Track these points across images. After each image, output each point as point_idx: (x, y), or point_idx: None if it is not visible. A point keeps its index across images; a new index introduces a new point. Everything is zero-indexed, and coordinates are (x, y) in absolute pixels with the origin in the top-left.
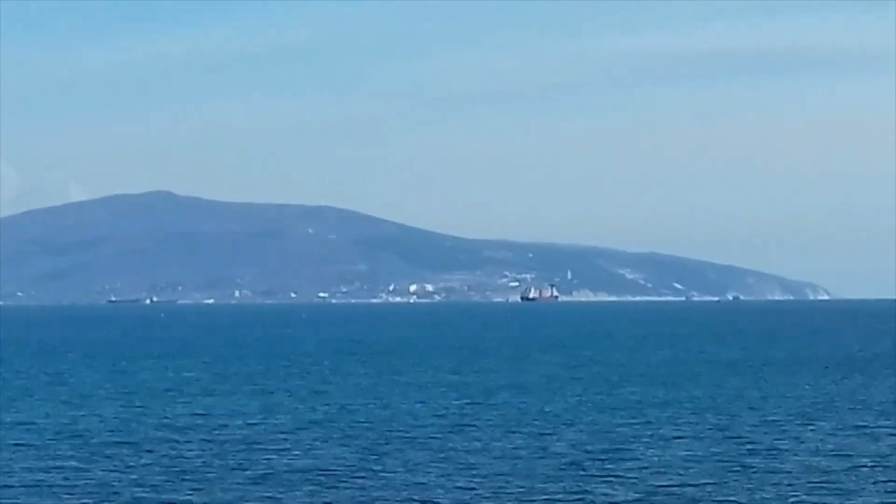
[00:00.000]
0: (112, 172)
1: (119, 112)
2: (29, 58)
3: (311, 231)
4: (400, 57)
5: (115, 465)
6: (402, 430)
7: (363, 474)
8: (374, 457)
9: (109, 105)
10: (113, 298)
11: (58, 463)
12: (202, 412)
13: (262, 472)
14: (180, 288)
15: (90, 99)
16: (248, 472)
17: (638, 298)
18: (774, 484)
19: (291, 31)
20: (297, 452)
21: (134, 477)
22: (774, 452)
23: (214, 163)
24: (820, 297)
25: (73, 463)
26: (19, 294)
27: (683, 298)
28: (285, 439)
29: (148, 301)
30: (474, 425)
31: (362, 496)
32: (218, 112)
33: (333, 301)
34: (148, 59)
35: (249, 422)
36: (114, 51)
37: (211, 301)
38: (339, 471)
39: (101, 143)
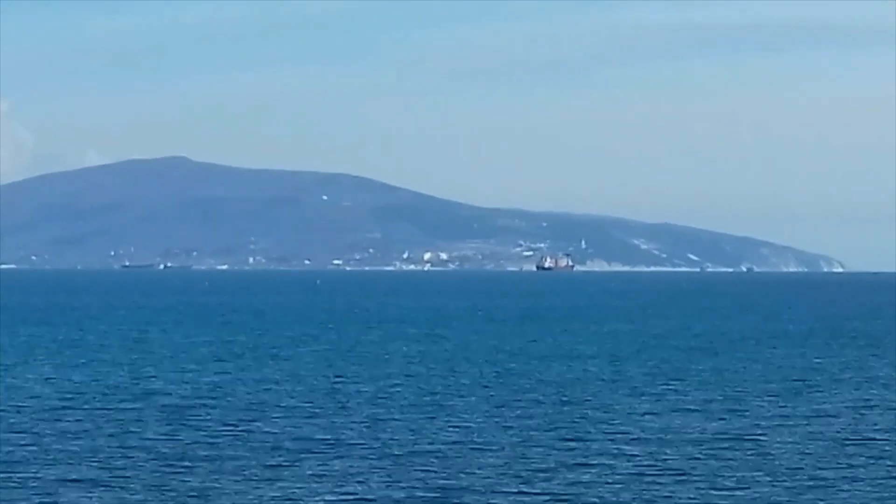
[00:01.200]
0: (128, 138)
1: (136, 78)
2: (46, 24)
3: (325, 198)
4: (415, 27)
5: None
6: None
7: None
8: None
9: (126, 71)
10: (126, 263)
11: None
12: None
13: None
14: (195, 254)
15: (107, 65)
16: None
17: (652, 269)
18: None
19: (310, 0)
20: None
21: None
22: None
23: (230, 129)
24: (834, 270)
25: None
26: (33, 258)
27: (698, 269)
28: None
29: (161, 266)
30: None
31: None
32: (234, 79)
33: (347, 268)
34: (165, 26)
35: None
36: (131, 17)
37: (225, 267)
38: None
39: (117, 109)
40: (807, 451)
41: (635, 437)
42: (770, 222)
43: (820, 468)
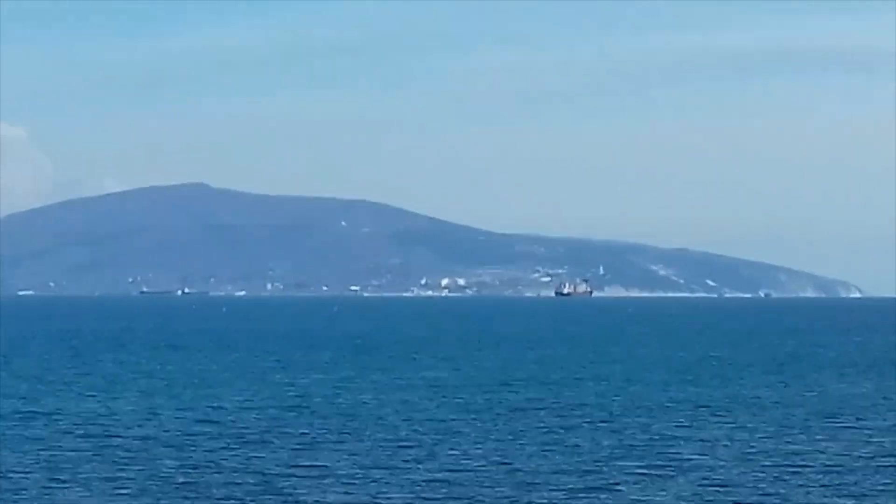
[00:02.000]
0: (147, 164)
1: (154, 104)
2: (64, 50)
3: (344, 224)
4: (436, 54)
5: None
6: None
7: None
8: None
9: (145, 97)
10: (144, 290)
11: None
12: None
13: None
14: (212, 280)
15: (126, 91)
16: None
17: (670, 294)
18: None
19: (330, 28)
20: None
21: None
22: None
23: (249, 156)
24: (852, 295)
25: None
26: (51, 284)
27: (715, 295)
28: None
29: (180, 293)
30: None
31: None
32: (253, 105)
33: (365, 294)
34: (185, 53)
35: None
36: (150, 42)
37: (243, 293)
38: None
39: (136, 135)
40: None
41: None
42: (787, 247)
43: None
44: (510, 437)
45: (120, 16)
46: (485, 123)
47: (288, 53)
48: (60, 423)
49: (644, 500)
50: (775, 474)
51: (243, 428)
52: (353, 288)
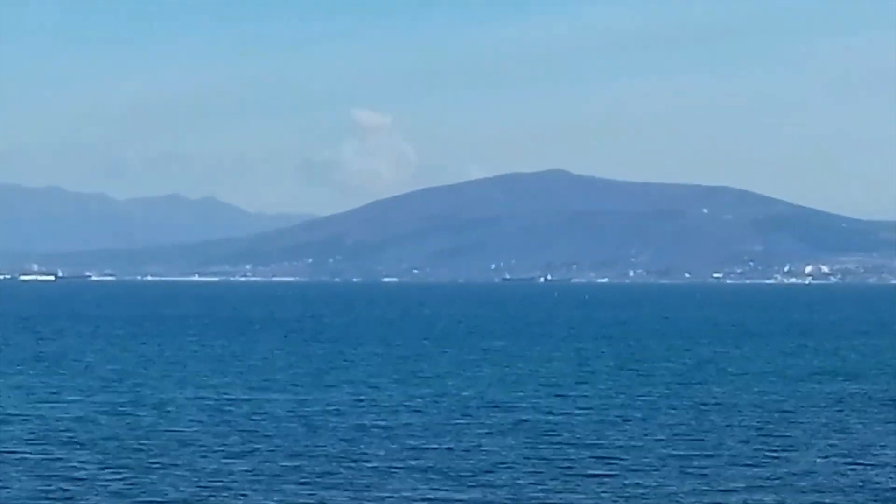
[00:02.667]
0: (510, 152)
1: (518, 92)
2: (428, 37)
3: (706, 211)
4: (801, 36)
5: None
6: None
7: None
8: None
9: (510, 86)
10: (507, 276)
11: None
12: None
13: None
14: (575, 267)
15: (490, 80)
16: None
17: None
18: None
19: (682, 13)
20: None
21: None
22: None
23: (611, 142)
24: None
25: None
26: (415, 271)
27: None
28: None
29: (542, 279)
30: None
31: None
32: (616, 92)
33: (728, 282)
34: (546, 40)
35: None
36: (513, 29)
37: (605, 280)
38: None
39: (500, 123)
40: None
41: None
42: None
43: None
44: None
45: (483, 2)
46: (850, 108)
47: (652, 38)
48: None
49: None
50: None
51: None
52: (715, 275)
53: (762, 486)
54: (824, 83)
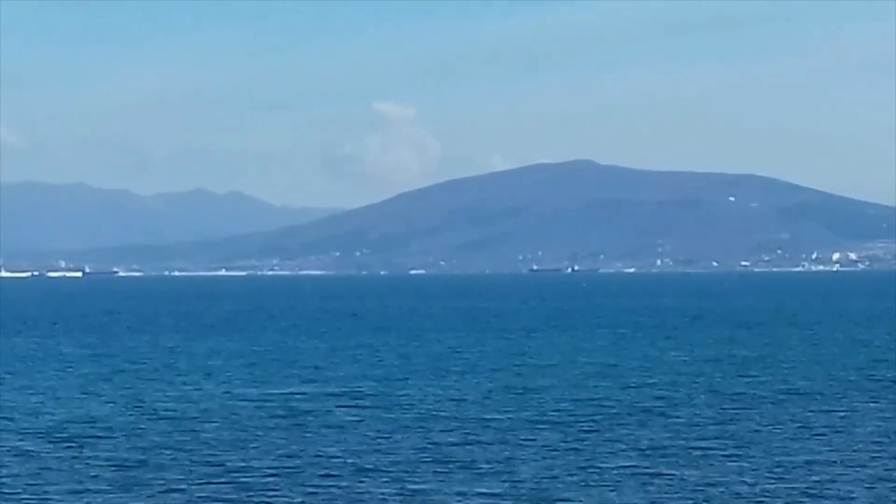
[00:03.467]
0: (534, 142)
1: (541, 81)
2: (447, 27)
3: (732, 199)
4: (815, 24)
5: None
6: None
7: None
8: None
9: (531, 74)
10: (535, 267)
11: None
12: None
13: None
14: (602, 257)
15: (512, 69)
16: None
17: None
18: None
19: (709, 1)
20: None
21: None
22: None
23: (636, 132)
24: None
25: None
26: (441, 263)
27: None
28: None
29: (569, 270)
30: None
31: None
32: (640, 81)
33: (755, 270)
34: (569, 30)
35: None
36: (536, 18)
37: (632, 270)
38: None
39: (524, 113)
40: None
41: None
42: None
43: None
44: None
45: None
46: (875, 94)
47: (665, 28)
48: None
49: None
50: None
51: None
52: (743, 263)
53: None
54: (851, 69)
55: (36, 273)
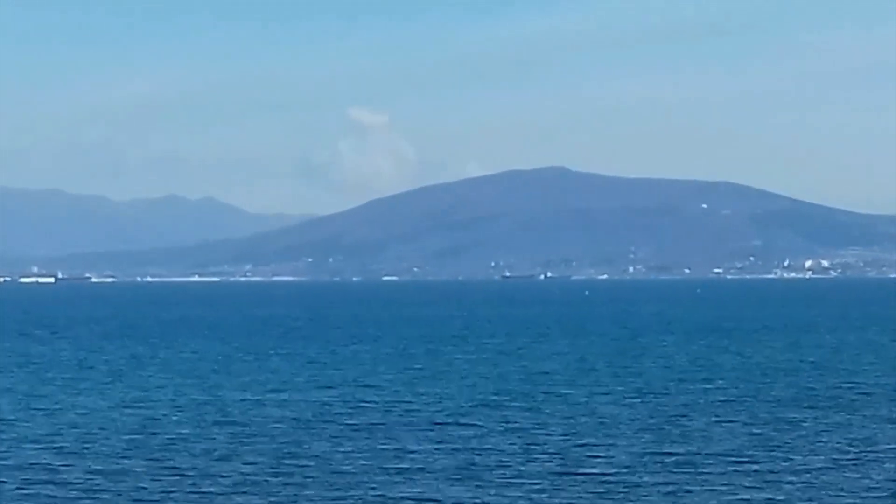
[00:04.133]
0: (508, 149)
1: (515, 89)
2: (424, 35)
3: (705, 206)
4: (786, 33)
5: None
6: None
7: None
8: None
9: (507, 83)
10: (507, 274)
11: None
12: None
13: None
14: (574, 263)
15: (487, 77)
16: None
17: None
18: None
19: (679, 9)
20: None
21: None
22: None
23: (609, 139)
24: None
25: None
26: (415, 269)
27: None
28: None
29: (542, 276)
30: None
31: None
32: (613, 88)
33: (728, 277)
34: (543, 37)
35: None
36: (509, 26)
37: (604, 276)
38: None
39: (498, 120)
40: None
41: None
42: None
43: None
44: None
45: (474, 1)
46: (844, 102)
47: (649, 34)
48: None
49: None
50: None
51: None
52: (715, 270)
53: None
54: (822, 77)
55: (8, 279)
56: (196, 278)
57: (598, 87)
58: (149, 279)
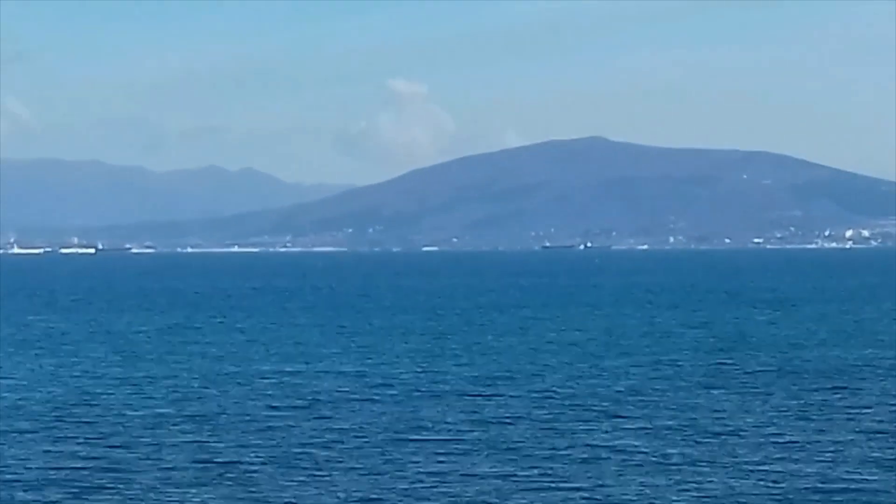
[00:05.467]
0: (547, 119)
1: (555, 60)
2: (459, 4)
3: (745, 177)
4: (810, 1)
5: None
6: None
7: None
8: None
9: (546, 53)
10: (547, 244)
11: None
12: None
13: None
14: (614, 234)
15: (526, 47)
16: None
17: None
18: None
19: None
20: None
21: None
22: None
23: (648, 109)
24: None
25: None
26: (454, 240)
27: None
28: None
29: (582, 247)
30: None
31: None
32: (653, 58)
33: (768, 247)
34: (580, 5)
35: None
36: None
37: (645, 247)
38: None
39: (537, 91)
40: None
41: None
42: None
43: None
44: None
45: None
46: (892, 69)
47: (677, 6)
48: None
49: None
50: None
51: None
52: (755, 240)
53: None
54: (863, 45)
55: (49, 249)
56: (235, 249)
57: (637, 56)
58: (189, 250)
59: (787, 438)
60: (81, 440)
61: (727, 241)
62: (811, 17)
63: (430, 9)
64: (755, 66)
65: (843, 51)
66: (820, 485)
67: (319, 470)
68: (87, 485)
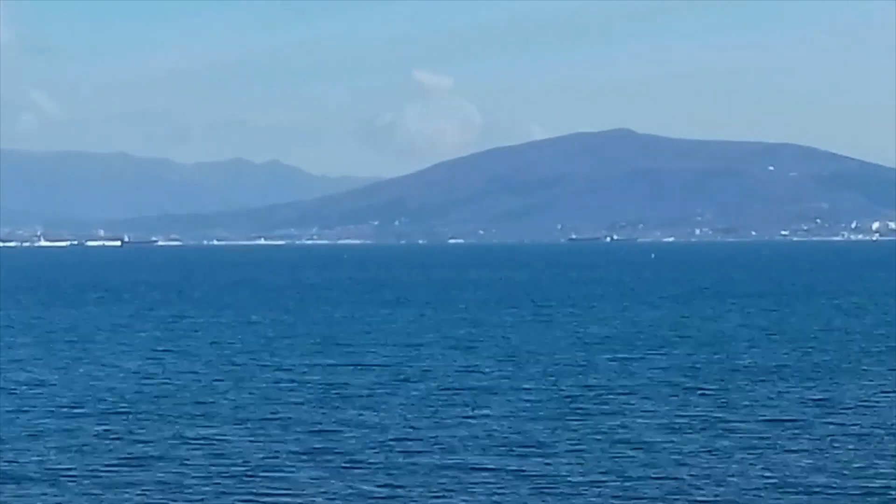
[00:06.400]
0: (573, 111)
1: (581, 52)
2: None
3: (771, 168)
4: None
5: None
6: None
7: None
8: None
9: (572, 45)
10: (573, 237)
11: None
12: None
13: None
14: (640, 226)
15: (552, 39)
16: None
17: None
18: None
19: None
20: None
21: None
22: None
23: (674, 101)
24: None
25: None
26: (480, 232)
27: None
28: None
29: (608, 239)
30: None
31: None
32: (678, 50)
33: (794, 239)
34: (607, 1)
35: None
36: None
37: (671, 239)
38: None
39: (563, 83)
40: None
41: None
42: None
43: None
44: None
45: None
46: None
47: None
48: None
49: None
50: None
51: None
52: (782, 233)
53: None
54: (890, 37)
55: (75, 242)
56: (262, 241)
57: (664, 48)
58: (215, 242)
59: (819, 433)
60: (113, 435)
61: (753, 233)
62: (839, 8)
63: (455, 1)
64: (781, 58)
65: (871, 42)
66: (855, 481)
67: (346, 464)
68: (119, 480)
